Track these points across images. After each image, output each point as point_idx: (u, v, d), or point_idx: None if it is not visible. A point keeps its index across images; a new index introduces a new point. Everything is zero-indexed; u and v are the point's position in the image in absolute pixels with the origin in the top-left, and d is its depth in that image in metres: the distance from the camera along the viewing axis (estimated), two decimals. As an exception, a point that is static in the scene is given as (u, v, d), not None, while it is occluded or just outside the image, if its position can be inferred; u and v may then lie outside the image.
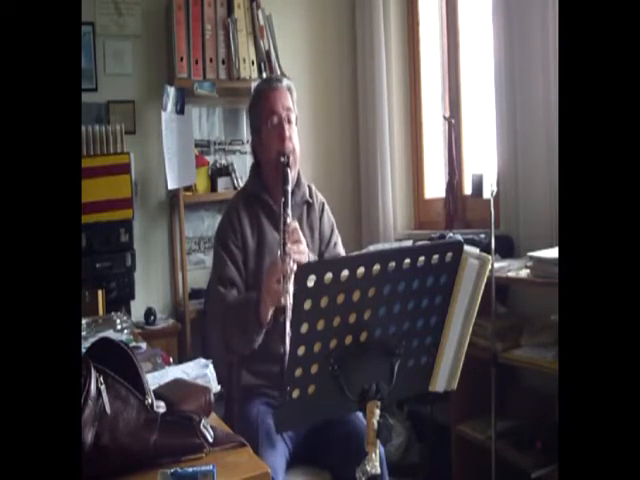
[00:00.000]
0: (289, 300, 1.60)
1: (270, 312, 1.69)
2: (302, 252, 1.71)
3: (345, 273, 1.01)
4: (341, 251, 2.01)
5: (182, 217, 3.08)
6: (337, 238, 2.03)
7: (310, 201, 1.98)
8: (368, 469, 1.03)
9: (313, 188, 2.03)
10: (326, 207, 2.04)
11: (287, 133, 1.85)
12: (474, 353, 2.00)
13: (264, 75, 3.15)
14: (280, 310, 1.63)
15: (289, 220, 1.75)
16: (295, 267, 1.65)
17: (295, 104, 1.92)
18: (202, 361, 1.60)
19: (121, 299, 2.94)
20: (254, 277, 1.85)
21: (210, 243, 3.33)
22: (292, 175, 1.87)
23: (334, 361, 1.07)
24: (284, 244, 1.70)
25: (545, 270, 2.03)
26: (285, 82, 1.93)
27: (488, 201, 2.19)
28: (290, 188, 1.82)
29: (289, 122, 1.87)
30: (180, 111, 3.05)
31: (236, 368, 1.87)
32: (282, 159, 1.84)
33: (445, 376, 1.24)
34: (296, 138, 1.90)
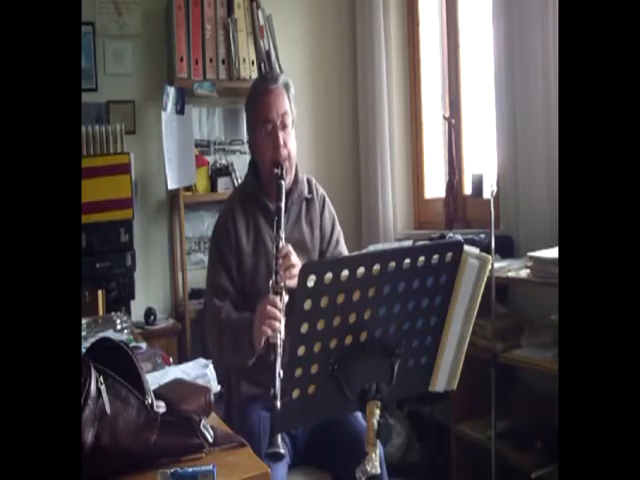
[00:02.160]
0: (280, 338, 1.54)
1: (262, 342, 1.63)
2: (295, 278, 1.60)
3: (345, 273, 1.00)
4: (343, 250, 1.99)
5: (182, 217, 3.08)
6: (339, 234, 1.99)
7: (309, 197, 1.94)
8: (368, 469, 1.03)
9: (313, 181, 1.99)
10: (327, 201, 2.00)
11: (281, 141, 1.81)
12: (474, 353, 1.99)
13: (264, 75, 3.15)
14: (271, 347, 1.55)
15: (282, 244, 1.69)
16: (287, 298, 1.60)
17: (292, 102, 1.87)
18: (202, 361, 1.61)
19: (121, 299, 2.94)
20: (251, 279, 1.83)
21: (210, 243, 3.34)
22: (288, 180, 1.84)
23: (334, 361, 1.06)
24: (276, 272, 1.64)
25: (545, 270, 2.03)
26: (281, 80, 1.86)
27: (488, 201, 2.19)
28: (285, 192, 1.78)
29: (284, 127, 1.82)
30: (180, 111, 3.05)
31: (235, 378, 1.84)
32: (276, 171, 1.80)
33: (445, 376, 1.24)
34: (292, 141, 1.85)
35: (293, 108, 1.87)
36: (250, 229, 1.87)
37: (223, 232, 1.87)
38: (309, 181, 1.97)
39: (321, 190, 2.01)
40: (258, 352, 1.67)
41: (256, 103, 1.86)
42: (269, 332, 1.57)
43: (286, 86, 1.86)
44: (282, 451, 1.28)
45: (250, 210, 1.88)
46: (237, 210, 1.88)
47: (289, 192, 1.85)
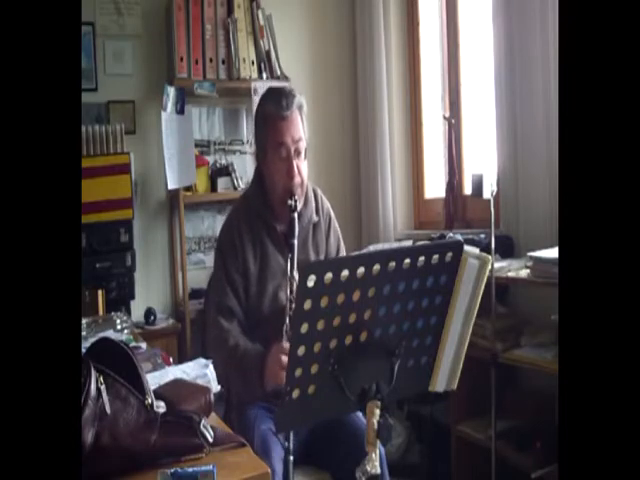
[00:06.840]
0: None
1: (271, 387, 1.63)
2: None
3: (345, 273, 1.00)
4: None
5: (182, 217, 3.08)
6: (342, 253, 1.97)
7: (316, 220, 1.90)
8: (368, 469, 1.03)
9: (319, 194, 1.95)
10: (332, 219, 1.96)
11: (295, 170, 1.76)
12: (474, 353, 1.99)
13: (264, 75, 3.15)
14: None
15: (296, 284, 1.62)
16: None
17: (305, 124, 1.81)
18: (202, 361, 1.60)
19: (121, 299, 2.94)
20: (257, 303, 1.80)
21: (210, 243, 3.34)
22: (299, 207, 1.80)
23: (334, 361, 1.06)
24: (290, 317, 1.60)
25: (545, 270, 2.03)
26: (296, 103, 1.77)
27: (488, 201, 2.19)
28: (297, 216, 1.75)
29: (298, 155, 1.77)
30: (180, 111, 3.05)
31: None
32: (289, 202, 1.75)
33: (445, 376, 1.24)
34: (305, 169, 1.81)
35: (306, 130, 1.82)
36: (257, 250, 1.82)
37: (229, 248, 1.82)
38: (315, 195, 1.92)
39: (327, 205, 1.97)
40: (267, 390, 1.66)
41: (269, 127, 1.78)
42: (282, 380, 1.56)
43: (300, 108, 1.80)
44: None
45: (256, 229, 1.83)
46: (243, 227, 1.83)
47: (299, 216, 1.79)
